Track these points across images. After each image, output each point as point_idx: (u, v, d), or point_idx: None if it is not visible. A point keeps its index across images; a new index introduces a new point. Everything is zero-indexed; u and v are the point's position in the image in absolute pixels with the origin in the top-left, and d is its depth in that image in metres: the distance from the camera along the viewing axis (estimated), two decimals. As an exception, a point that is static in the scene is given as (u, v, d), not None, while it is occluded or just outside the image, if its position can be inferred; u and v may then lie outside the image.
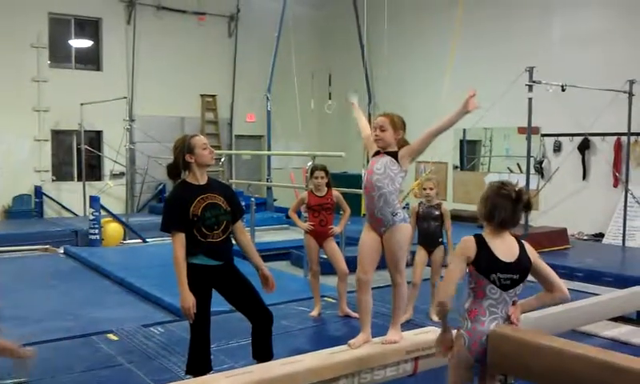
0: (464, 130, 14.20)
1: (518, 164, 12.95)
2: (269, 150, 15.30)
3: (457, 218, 14.06)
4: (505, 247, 2.98)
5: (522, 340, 2.91)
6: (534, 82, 8.96)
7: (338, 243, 6.36)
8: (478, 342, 2.94)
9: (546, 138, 12.56)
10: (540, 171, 12.58)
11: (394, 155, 4.00)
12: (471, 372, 2.99)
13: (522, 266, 3.00)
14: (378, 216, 4.01)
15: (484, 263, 2.94)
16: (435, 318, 5.49)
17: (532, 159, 10.86)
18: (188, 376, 3.87)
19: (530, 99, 9.03)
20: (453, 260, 3.02)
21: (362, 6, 14.74)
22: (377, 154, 4.06)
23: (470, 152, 14.79)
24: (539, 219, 11.90)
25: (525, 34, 12.72)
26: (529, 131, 9.27)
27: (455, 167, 14.60)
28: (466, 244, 2.98)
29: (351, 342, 3.91)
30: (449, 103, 11.53)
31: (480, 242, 2.97)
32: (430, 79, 14.26)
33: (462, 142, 14.56)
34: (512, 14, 13.10)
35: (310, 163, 8.37)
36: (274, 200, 15.07)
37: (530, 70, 9.04)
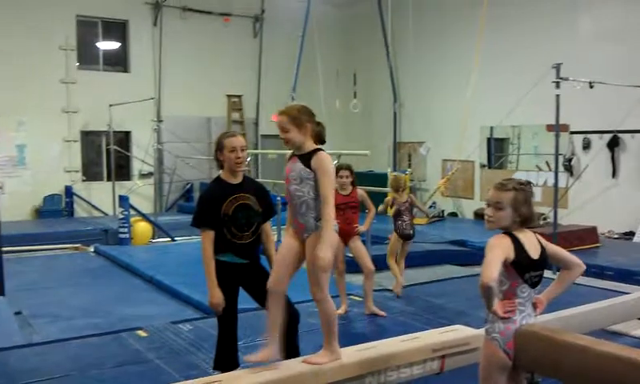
0: (491, 128, 14.09)
1: (546, 162, 12.79)
2: (294, 149, 15.34)
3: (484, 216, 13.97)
4: (531, 244, 2.96)
5: (549, 338, 2.89)
6: (561, 78, 8.85)
7: (363, 242, 6.37)
8: (512, 343, 2.91)
9: (574, 135, 12.40)
10: (569, 169, 12.43)
11: (307, 160, 3.40)
12: (506, 374, 2.94)
13: (544, 259, 2.99)
14: (300, 221, 3.48)
15: (524, 262, 2.90)
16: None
17: (561, 157, 10.74)
18: (216, 372, 3.91)
19: (558, 96, 8.91)
20: (493, 252, 2.85)
21: (386, 4, 14.72)
22: (291, 157, 3.53)
23: (497, 150, 14.65)
24: (568, 218, 11.76)
25: (551, 30, 12.56)
26: (557, 129, 9.14)
27: (482, 165, 14.48)
28: (506, 243, 2.89)
29: (249, 356, 3.50)
30: (474, 101, 11.58)
31: (514, 240, 2.91)
32: (455, 77, 14.16)
33: (489, 140, 14.44)
34: (538, 10, 12.95)
35: (335, 162, 8.38)
36: (300, 199, 15.10)
37: (557, 67, 8.92)
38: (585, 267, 3.13)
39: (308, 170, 3.38)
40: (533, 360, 2.93)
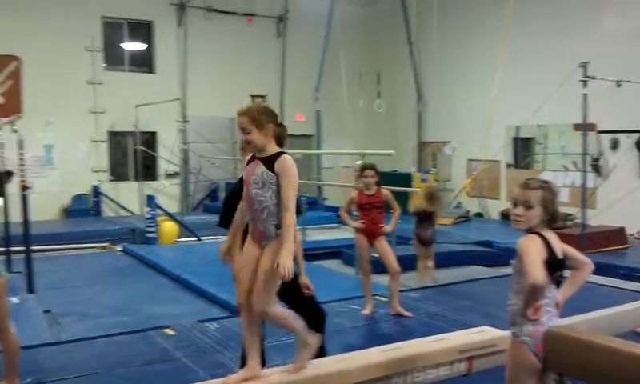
0: (517, 127, 13.96)
1: (574, 162, 12.64)
2: (318, 149, 15.38)
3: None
4: (557, 243, 2.94)
5: (578, 339, 2.87)
6: (588, 77, 8.75)
7: (389, 242, 6.36)
8: (542, 345, 2.88)
9: (602, 134, 12.23)
10: (597, 169, 12.27)
11: (271, 163, 3.23)
12: (535, 377, 2.91)
13: (565, 259, 2.97)
14: (259, 227, 3.31)
15: (554, 262, 2.87)
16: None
17: (588, 157, 10.59)
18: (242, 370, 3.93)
19: (585, 95, 8.82)
20: (532, 252, 2.80)
21: (410, 3, 14.68)
22: (252, 159, 3.34)
23: (523, 149, 14.50)
24: (596, 218, 11.59)
25: (577, 28, 12.40)
26: (584, 128, 9.05)
27: (508, 165, 14.35)
28: (538, 242, 2.85)
29: (227, 379, 3.36)
30: (500, 99, 11.48)
31: (544, 240, 2.88)
32: (480, 76, 14.06)
33: (515, 139, 14.31)
34: (564, 8, 12.80)
35: (359, 162, 8.38)
36: (325, 199, 15.14)
37: (584, 65, 8.83)
38: (593, 266, 3.10)
39: (271, 173, 3.22)
40: (562, 362, 2.90)
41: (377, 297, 6.38)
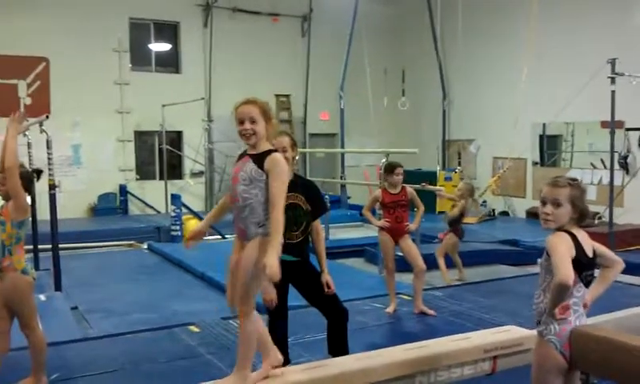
0: (544, 125, 13.80)
1: (601, 159, 12.45)
2: (342, 147, 15.36)
3: (537, 215, 13.64)
4: (586, 242, 2.89)
5: (605, 338, 2.83)
6: (616, 74, 8.61)
7: (413, 240, 6.33)
8: (568, 344, 2.85)
9: (630, 131, 12.03)
10: (625, 167, 12.06)
11: (261, 161, 3.12)
12: (561, 377, 2.87)
13: (596, 257, 2.93)
14: (240, 226, 3.22)
15: (583, 260, 2.83)
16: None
17: (616, 154, 10.43)
18: (266, 368, 3.95)
19: (614, 92, 8.68)
20: (560, 250, 2.77)
21: (435, 1, 14.58)
22: (242, 156, 3.25)
23: (550, 147, 14.33)
24: (624, 216, 11.41)
25: (605, 25, 12.21)
26: (612, 125, 8.90)
27: (535, 163, 14.19)
28: (567, 240, 2.81)
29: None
30: (526, 98, 11.35)
31: (573, 238, 2.84)
32: (505, 73, 13.93)
33: (541, 137, 14.14)
34: (591, 4, 12.62)
35: (383, 160, 8.36)
36: (348, 197, 15.13)
37: (613, 62, 8.68)
38: (624, 264, 3.06)
39: (260, 170, 3.10)
40: (588, 361, 2.86)
41: (400, 295, 6.36)
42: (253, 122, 3.14)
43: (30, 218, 4.12)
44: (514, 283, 7.62)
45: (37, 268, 8.22)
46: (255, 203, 3.13)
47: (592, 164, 12.96)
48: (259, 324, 3.29)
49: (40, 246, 7.88)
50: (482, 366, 3.78)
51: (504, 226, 12.64)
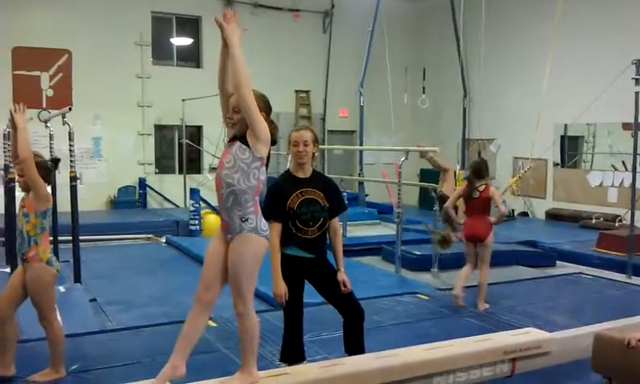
0: (565, 126, 13.65)
1: (622, 161, 12.29)
2: (361, 145, 15.32)
3: (557, 216, 13.55)
4: None
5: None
6: (641, 74, 8.48)
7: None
8: None
9: (653, 134, 11.85)
10: (647, 169, 11.89)
11: (244, 138, 3.19)
12: None
13: None
14: (224, 218, 3.21)
15: None
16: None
17: (638, 156, 10.27)
18: (282, 364, 3.95)
19: (637, 93, 8.55)
20: None
21: (458, -2, 14.47)
22: (231, 141, 3.29)
23: (571, 148, 14.17)
24: (646, 220, 11.26)
25: (629, 26, 12.02)
26: (635, 127, 8.77)
27: (555, 164, 14.04)
28: None
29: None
30: (548, 97, 11.23)
31: None
32: (527, 73, 13.80)
33: (562, 137, 13.99)
34: (615, 5, 12.45)
35: (402, 159, 8.32)
36: (366, 195, 15.08)
37: (637, 63, 8.56)
38: None
39: (245, 146, 3.15)
40: (610, 366, 2.83)
41: (418, 295, 6.33)
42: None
43: (52, 208, 4.15)
44: (531, 285, 7.56)
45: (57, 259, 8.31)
46: (238, 191, 3.12)
47: (613, 166, 12.80)
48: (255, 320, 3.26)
49: (60, 238, 7.94)
50: (502, 368, 3.75)
51: (523, 227, 12.52)
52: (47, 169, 4.21)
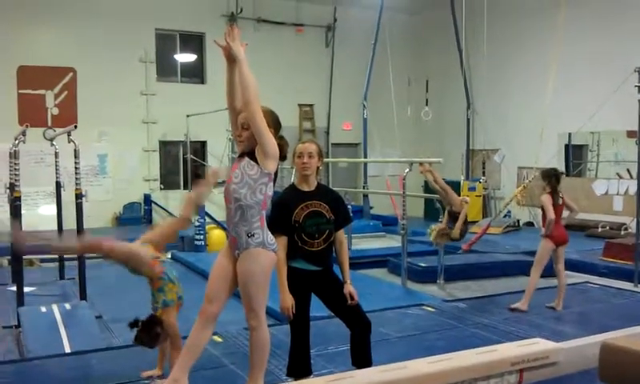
0: (569, 134, 13.65)
1: (627, 170, 12.26)
2: (365, 157, 15.34)
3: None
4: None
5: (637, 352, 2.77)
6: (644, 83, 8.48)
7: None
8: None
9: (658, 141, 11.83)
10: (652, 177, 11.87)
11: (252, 154, 3.27)
12: None
13: None
14: (232, 234, 3.31)
15: None
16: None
17: (643, 164, 10.26)
18: (289, 378, 3.94)
19: (641, 101, 8.54)
20: None
21: (460, 10, 14.52)
22: (240, 156, 3.39)
23: (575, 157, 14.15)
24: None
25: (632, 34, 12.05)
26: (639, 135, 8.76)
27: (560, 173, 14.01)
28: None
29: None
30: (551, 106, 11.23)
31: None
32: (530, 83, 13.81)
33: (567, 146, 13.97)
34: (617, 13, 12.47)
35: (406, 170, 8.32)
36: (371, 207, 15.08)
37: (640, 71, 8.56)
38: None
39: (253, 162, 3.22)
40: (619, 375, 2.80)
41: (424, 307, 6.31)
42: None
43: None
44: (537, 295, 7.51)
45: (62, 277, 8.33)
46: (244, 205, 3.20)
47: (618, 174, 12.78)
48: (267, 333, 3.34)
49: (66, 255, 7.96)
50: (509, 380, 3.72)
51: (529, 237, 12.46)
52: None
